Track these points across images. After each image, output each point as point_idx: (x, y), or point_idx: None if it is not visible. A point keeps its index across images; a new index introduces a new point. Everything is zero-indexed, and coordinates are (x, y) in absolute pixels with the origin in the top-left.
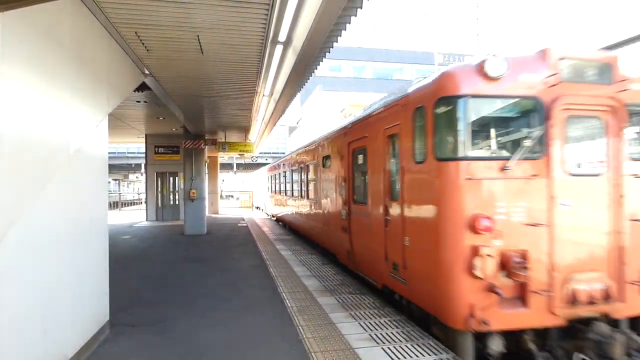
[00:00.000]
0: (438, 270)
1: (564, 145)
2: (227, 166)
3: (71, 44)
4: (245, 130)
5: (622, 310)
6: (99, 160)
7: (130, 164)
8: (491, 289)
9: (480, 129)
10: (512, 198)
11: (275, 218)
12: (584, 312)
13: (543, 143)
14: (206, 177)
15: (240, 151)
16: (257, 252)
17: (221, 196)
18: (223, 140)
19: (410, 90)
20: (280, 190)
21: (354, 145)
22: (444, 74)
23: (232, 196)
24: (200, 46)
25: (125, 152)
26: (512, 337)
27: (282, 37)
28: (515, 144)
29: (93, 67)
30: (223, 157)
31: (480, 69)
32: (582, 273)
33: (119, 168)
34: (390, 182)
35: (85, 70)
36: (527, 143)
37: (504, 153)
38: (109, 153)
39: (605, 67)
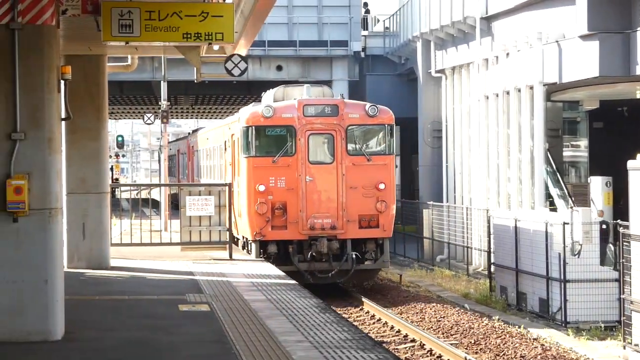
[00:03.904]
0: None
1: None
2: (141, 93)
3: None
4: None
5: (343, 234)
6: None
7: None
8: (266, 220)
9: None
10: (278, 175)
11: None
12: (317, 233)
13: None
14: (62, 132)
15: (189, 37)
16: None
17: (114, 194)
18: None
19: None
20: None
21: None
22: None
23: (156, 202)
24: None
25: None
26: (284, 245)
27: None
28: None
29: None
30: (127, 63)
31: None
32: (318, 214)
33: None
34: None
35: None
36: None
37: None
38: None
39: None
